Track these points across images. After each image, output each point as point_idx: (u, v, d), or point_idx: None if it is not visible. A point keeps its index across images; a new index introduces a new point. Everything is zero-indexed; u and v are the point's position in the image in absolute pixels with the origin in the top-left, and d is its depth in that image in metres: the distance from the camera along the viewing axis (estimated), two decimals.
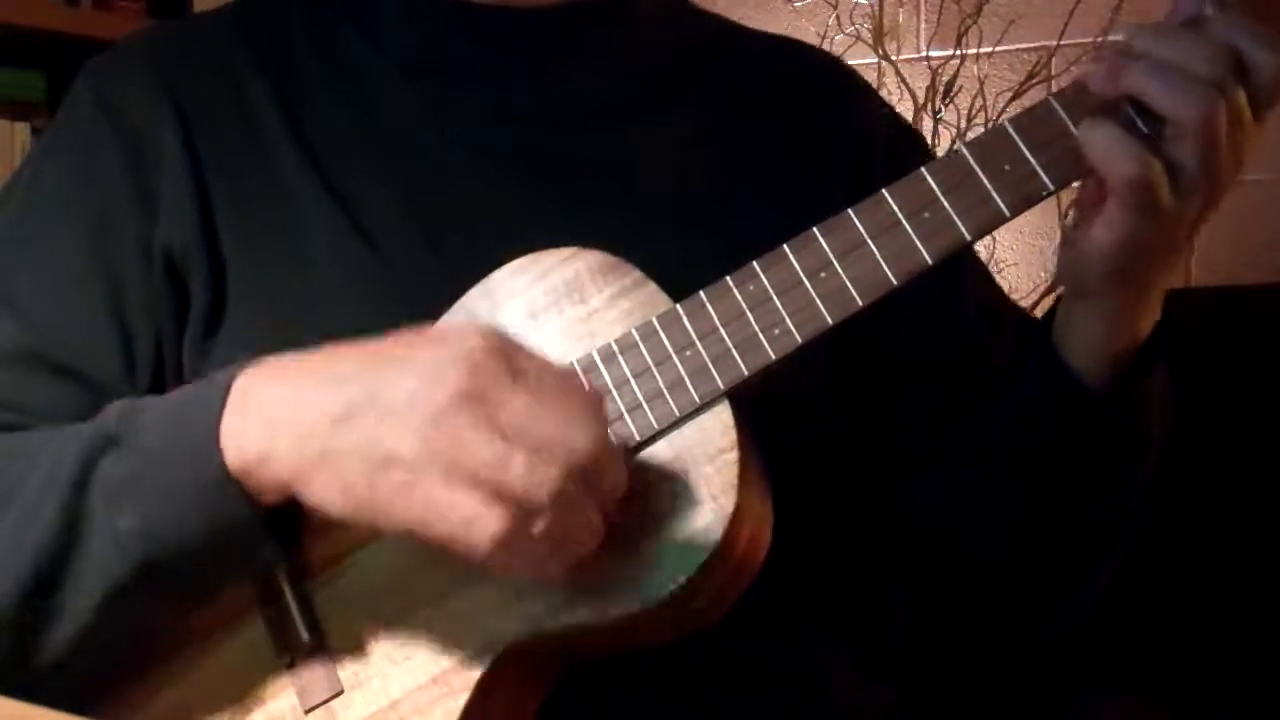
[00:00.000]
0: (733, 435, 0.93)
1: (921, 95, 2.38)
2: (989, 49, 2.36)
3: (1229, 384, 1.89)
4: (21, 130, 2.34)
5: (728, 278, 0.95)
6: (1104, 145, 0.90)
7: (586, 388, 0.89)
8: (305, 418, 0.88)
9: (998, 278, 2.28)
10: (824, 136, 1.17)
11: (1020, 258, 2.39)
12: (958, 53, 2.37)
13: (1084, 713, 1.83)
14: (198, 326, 1.06)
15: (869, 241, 0.93)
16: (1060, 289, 1.03)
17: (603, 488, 0.87)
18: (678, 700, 1.01)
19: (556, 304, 0.98)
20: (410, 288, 1.04)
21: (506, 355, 0.86)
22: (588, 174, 1.10)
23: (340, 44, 1.14)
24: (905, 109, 2.37)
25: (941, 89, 2.36)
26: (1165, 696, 1.84)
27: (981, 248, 2.34)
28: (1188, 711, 1.82)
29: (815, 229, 0.94)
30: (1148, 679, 1.86)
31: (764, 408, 0.96)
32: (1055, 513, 1.06)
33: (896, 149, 1.19)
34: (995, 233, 2.33)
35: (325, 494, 0.88)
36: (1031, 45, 2.40)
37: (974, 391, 1.12)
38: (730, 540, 0.91)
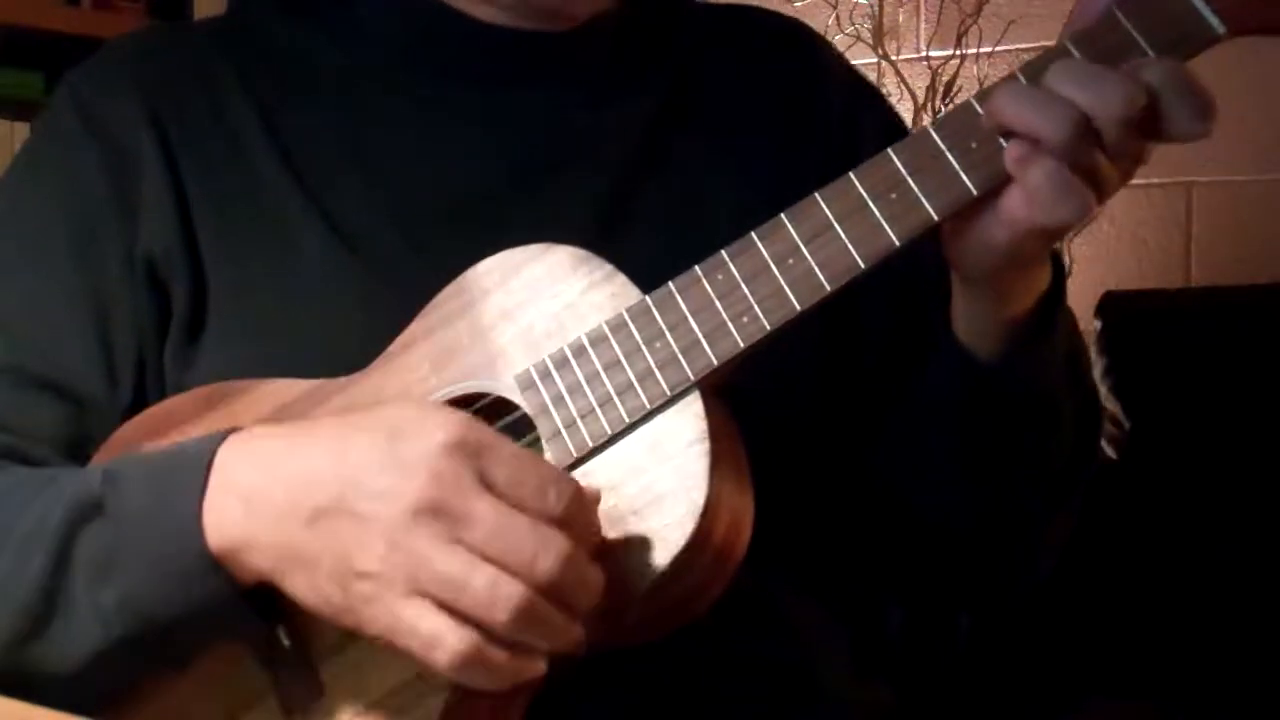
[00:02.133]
0: (703, 425, 0.92)
1: (921, 95, 2.38)
2: (989, 49, 2.36)
3: (1229, 384, 1.89)
4: (21, 130, 2.35)
5: (696, 267, 0.94)
6: (1045, 184, 0.88)
7: (563, 485, 0.87)
8: (281, 513, 0.89)
9: None
10: (786, 100, 1.17)
11: None
12: (958, 53, 2.37)
13: (1078, 715, 1.83)
14: (179, 334, 1.06)
15: (835, 225, 0.92)
16: None
17: (578, 597, 0.86)
18: (666, 694, 1.01)
19: (528, 300, 0.98)
20: (392, 292, 1.04)
21: (475, 455, 0.86)
22: (568, 172, 1.10)
23: (321, 51, 1.14)
24: (905, 109, 2.37)
25: (941, 89, 2.36)
26: (1162, 699, 1.84)
27: None
28: (1182, 715, 1.81)
29: (783, 215, 0.94)
30: (1144, 682, 1.86)
31: (742, 398, 0.95)
32: (978, 475, 1.05)
33: (856, 104, 1.18)
34: None
35: (301, 593, 0.89)
36: (1031, 45, 2.39)
37: (918, 359, 1.12)
38: (705, 532, 0.91)
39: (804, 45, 1.23)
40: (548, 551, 0.84)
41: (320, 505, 0.87)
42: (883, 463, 1.11)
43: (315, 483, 0.88)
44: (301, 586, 0.89)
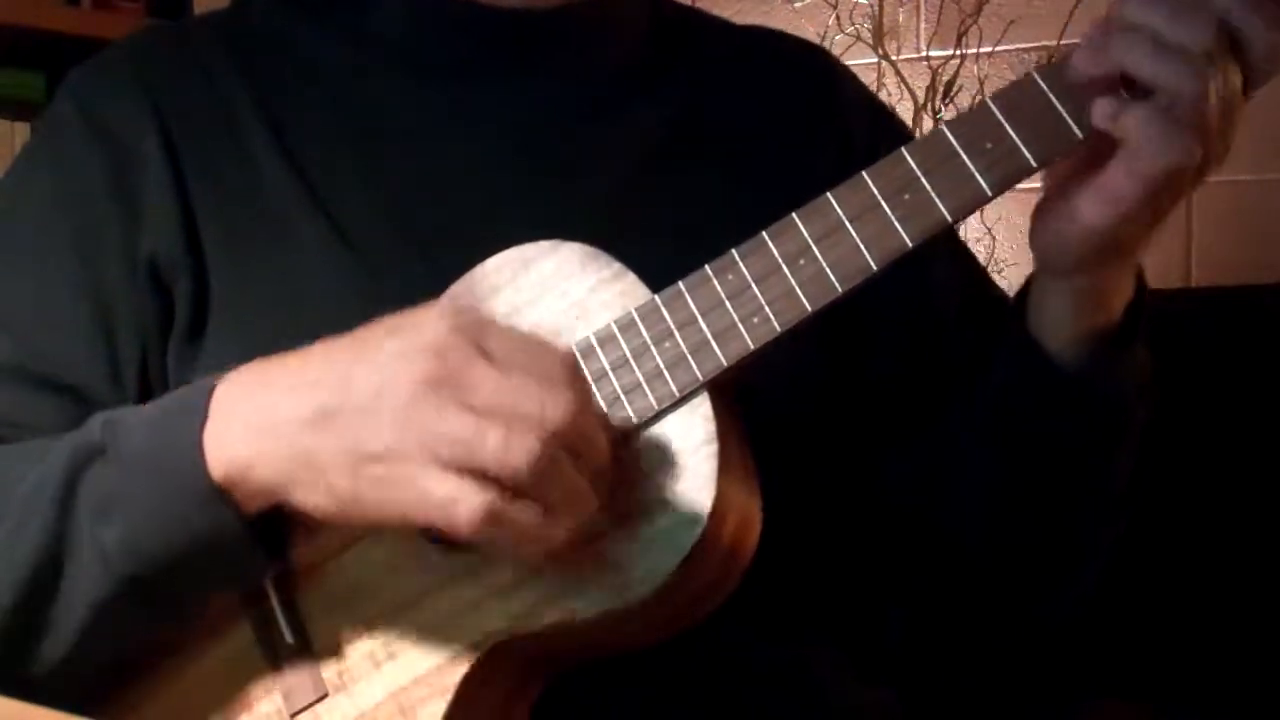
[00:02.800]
0: (712, 427, 0.92)
1: (921, 95, 2.37)
2: (989, 49, 2.35)
3: (1229, 384, 1.88)
4: (21, 130, 2.35)
5: (707, 266, 0.94)
6: (1146, 129, 0.88)
7: (560, 353, 0.88)
8: (283, 423, 0.88)
9: (998, 277, 2.27)
10: (803, 121, 1.17)
11: (1020, 258, 2.38)
12: (958, 53, 2.37)
13: (1078, 715, 1.83)
14: (182, 334, 1.07)
15: (848, 225, 0.92)
16: None
17: (588, 452, 0.87)
18: (669, 698, 1.01)
19: (537, 298, 0.98)
20: (395, 291, 1.03)
21: (473, 333, 0.86)
22: (574, 174, 1.10)
23: (324, 49, 1.14)
24: (905, 109, 2.36)
25: (941, 89, 2.36)
26: (1162, 699, 1.84)
27: (981, 248, 2.35)
28: (1182, 715, 1.81)
29: (794, 214, 0.94)
30: (1144, 682, 1.86)
31: (748, 400, 0.95)
32: (1033, 496, 1.06)
33: (876, 131, 1.18)
34: (995, 232, 2.35)
35: (312, 497, 0.89)
36: (1031, 45, 2.39)
37: (948, 374, 1.12)
38: (713, 534, 0.91)
39: (825, 71, 1.23)
40: (554, 403, 0.84)
41: (323, 403, 0.87)
42: (913, 472, 1.11)
43: (315, 385, 0.88)
44: (310, 491, 0.89)
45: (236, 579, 0.96)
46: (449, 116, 1.12)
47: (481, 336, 0.86)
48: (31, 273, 1.09)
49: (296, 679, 0.96)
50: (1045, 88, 0.91)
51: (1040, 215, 0.96)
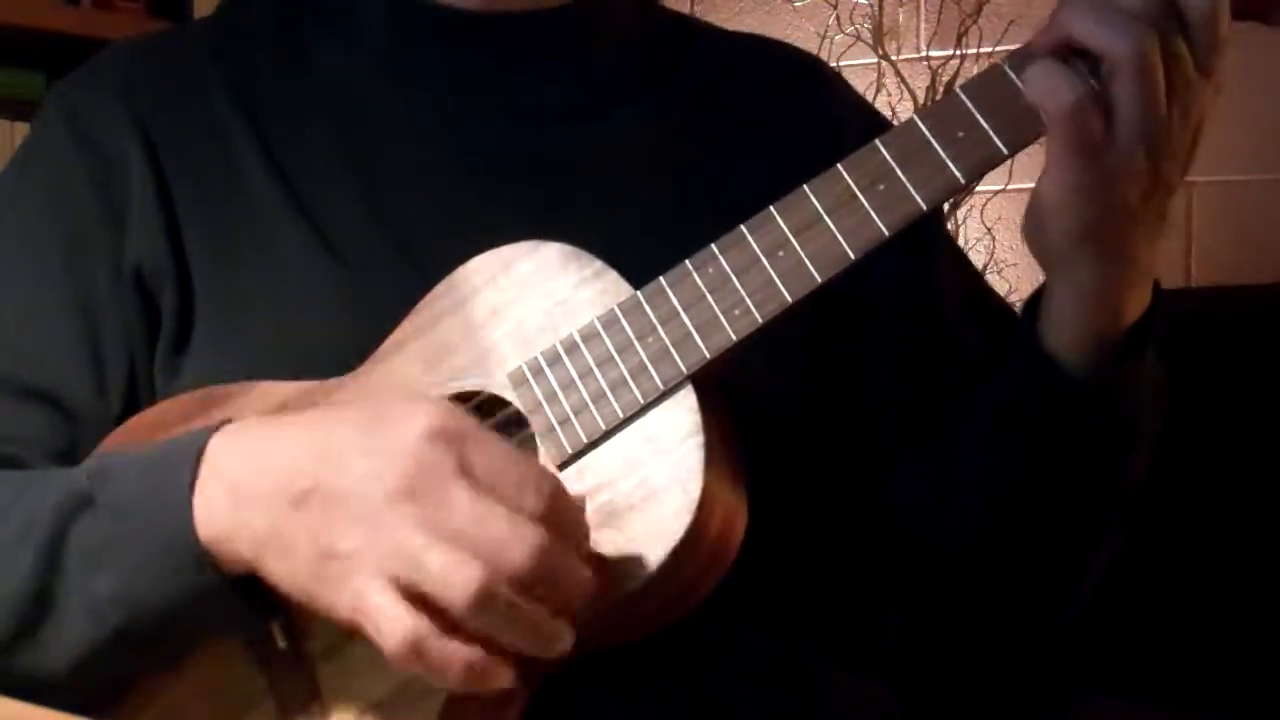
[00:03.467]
0: (697, 419, 0.92)
1: (921, 95, 2.38)
2: (989, 49, 2.35)
3: (1229, 384, 1.88)
4: (22, 130, 2.34)
5: (687, 261, 0.95)
6: (1038, 79, 0.89)
7: (543, 480, 0.86)
8: (264, 499, 0.89)
9: (997, 278, 2.28)
10: (795, 127, 1.17)
11: (1020, 258, 2.38)
12: (958, 53, 2.37)
13: (1078, 714, 1.83)
14: (168, 343, 1.07)
15: (825, 217, 0.93)
16: None
17: (554, 589, 0.85)
18: (664, 693, 1.01)
19: (519, 298, 0.98)
20: (379, 298, 1.04)
21: (458, 444, 0.86)
22: (561, 177, 1.10)
23: (310, 54, 1.14)
24: (905, 109, 2.37)
25: (941, 89, 2.36)
26: (1162, 699, 1.83)
27: (981, 248, 2.34)
28: (1182, 715, 1.81)
29: (772, 207, 0.94)
30: (1144, 682, 1.85)
31: (739, 397, 0.95)
32: (1039, 503, 1.05)
33: (868, 136, 1.18)
34: (995, 232, 2.35)
35: (278, 577, 0.89)
36: None
37: (950, 381, 1.11)
38: (699, 527, 0.91)
39: (817, 79, 1.23)
40: (521, 542, 0.83)
41: (305, 489, 0.87)
42: (917, 476, 1.11)
43: (298, 468, 0.88)
44: (280, 571, 0.88)
45: (229, 631, 0.96)
46: (434, 122, 1.12)
47: (467, 450, 0.86)
48: (17, 283, 1.09)
49: (291, 682, 0.96)
50: (1014, 77, 0.91)
51: (1026, 212, 0.96)
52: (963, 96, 0.92)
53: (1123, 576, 1.14)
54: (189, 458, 0.91)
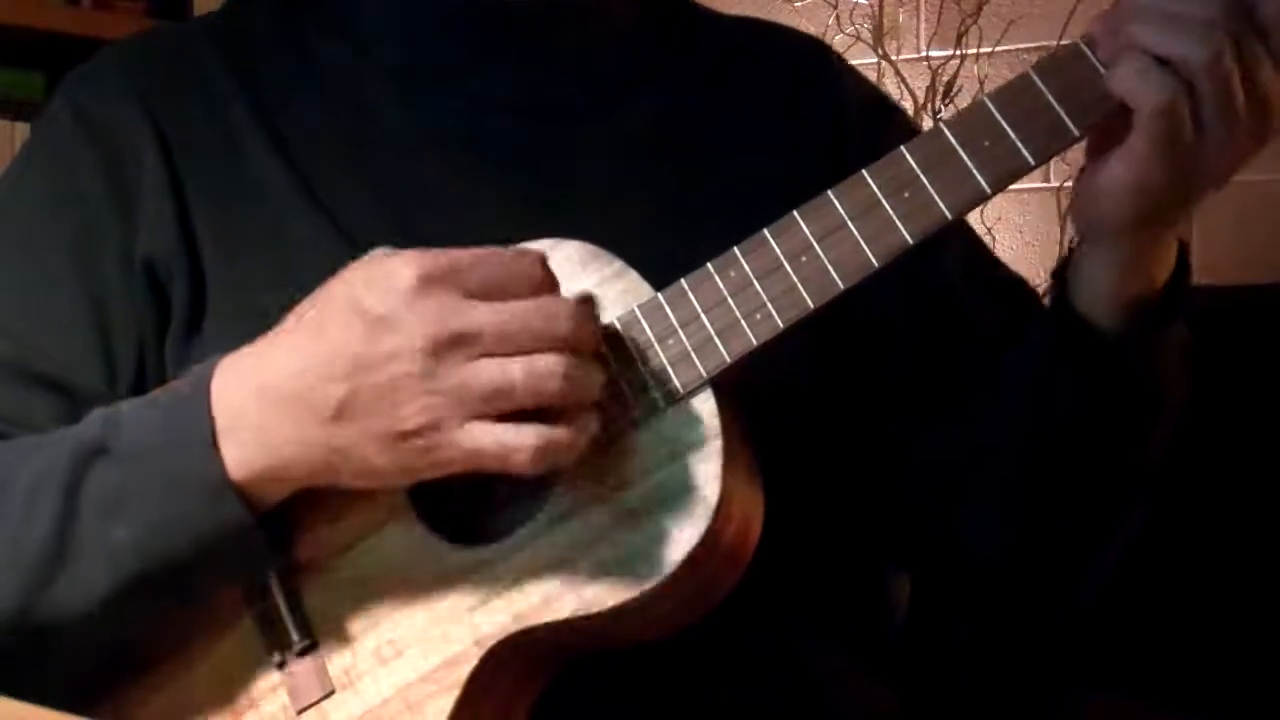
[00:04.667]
0: (716, 423, 0.92)
1: (921, 95, 2.38)
2: (989, 49, 2.36)
3: (1229, 384, 1.88)
4: (22, 130, 2.35)
5: (709, 264, 0.95)
6: (1132, 77, 0.90)
7: (528, 258, 0.90)
8: (306, 428, 0.90)
9: None
10: (800, 113, 1.17)
11: (1020, 257, 2.39)
12: (958, 53, 2.37)
13: (1077, 712, 1.83)
14: (178, 334, 1.07)
15: (849, 223, 0.93)
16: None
17: (586, 342, 0.90)
18: (670, 692, 1.01)
19: None
20: None
21: (447, 277, 0.88)
22: (567, 170, 1.10)
23: (317, 47, 1.14)
24: (905, 109, 2.36)
25: (941, 89, 2.36)
26: (1162, 699, 1.84)
27: None
28: (1182, 715, 1.81)
29: (795, 212, 0.94)
30: (1144, 682, 1.86)
31: (751, 395, 0.95)
32: (1070, 469, 1.05)
33: (873, 122, 1.19)
34: (995, 232, 2.35)
35: (358, 481, 0.91)
36: (1031, 45, 2.39)
37: (964, 355, 1.12)
38: (717, 530, 0.91)
39: (821, 63, 1.23)
40: (553, 316, 0.87)
41: (337, 399, 0.89)
42: (939, 455, 1.11)
43: (319, 384, 0.89)
44: (354, 477, 0.91)
45: (243, 572, 0.96)
46: (442, 115, 1.12)
47: (457, 278, 0.88)
48: (28, 274, 1.09)
49: (303, 676, 0.96)
50: (1042, 86, 0.92)
51: (1081, 181, 0.96)
52: (990, 105, 0.92)
53: (1124, 576, 1.14)
54: (198, 399, 0.92)
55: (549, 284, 0.90)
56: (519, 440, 0.87)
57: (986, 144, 0.92)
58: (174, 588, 0.94)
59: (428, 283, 0.87)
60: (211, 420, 0.91)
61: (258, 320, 1.04)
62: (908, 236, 0.92)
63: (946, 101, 2.35)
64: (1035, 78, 0.92)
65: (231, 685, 0.98)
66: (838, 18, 2.42)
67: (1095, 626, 1.78)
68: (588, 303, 0.92)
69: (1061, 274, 1.02)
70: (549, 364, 0.87)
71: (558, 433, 0.87)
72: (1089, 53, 0.92)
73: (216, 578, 0.96)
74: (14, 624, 0.95)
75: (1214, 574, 1.85)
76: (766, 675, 1.05)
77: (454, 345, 0.86)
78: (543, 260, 0.90)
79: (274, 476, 0.91)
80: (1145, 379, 1.01)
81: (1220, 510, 1.86)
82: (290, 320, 0.93)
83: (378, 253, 0.92)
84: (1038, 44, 2.38)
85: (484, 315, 0.87)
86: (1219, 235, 2.26)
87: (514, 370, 0.86)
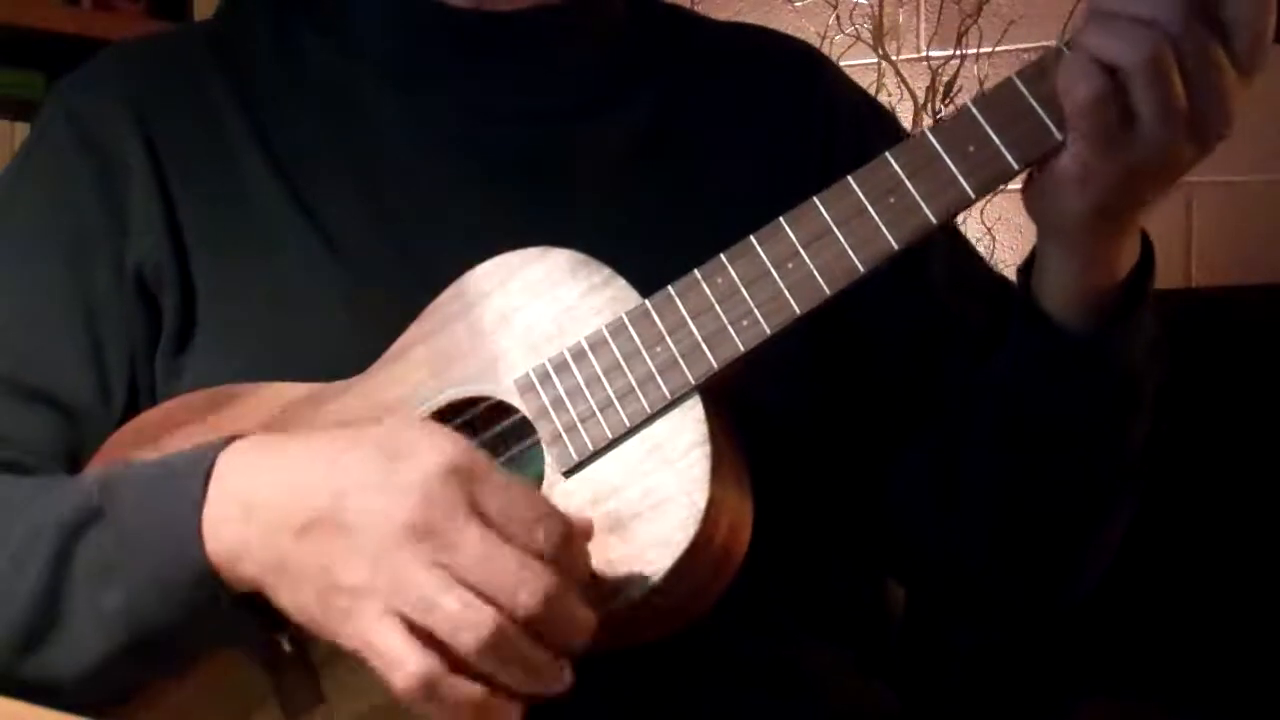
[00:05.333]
0: (704, 429, 0.92)
1: (921, 95, 2.37)
2: (989, 49, 2.35)
3: (1229, 384, 1.88)
4: (22, 130, 2.35)
5: (696, 271, 0.95)
6: (1063, 70, 0.90)
7: (555, 521, 0.86)
8: (273, 525, 0.89)
9: None
10: (790, 116, 1.17)
11: (1020, 258, 2.38)
12: (958, 53, 2.37)
13: (1077, 714, 1.83)
14: (169, 343, 1.07)
15: (834, 229, 0.93)
16: None
17: (558, 632, 0.85)
18: (665, 695, 1.01)
19: (527, 304, 0.98)
20: (378, 297, 1.04)
21: (470, 483, 0.85)
22: (557, 176, 1.11)
23: (310, 54, 1.14)
24: (905, 109, 2.36)
25: (941, 89, 2.36)
26: (1162, 699, 1.84)
27: (981, 248, 2.34)
28: (1182, 715, 1.81)
29: (781, 219, 0.94)
30: (1144, 682, 1.86)
31: (739, 401, 0.95)
32: (1052, 466, 1.05)
33: (863, 126, 1.19)
34: (995, 232, 2.35)
35: (285, 603, 0.89)
36: (1031, 45, 2.39)
37: (951, 360, 1.12)
38: (705, 535, 0.91)
39: (809, 67, 1.23)
40: (531, 585, 0.83)
41: (311, 518, 0.87)
42: (925, 458, 1.10)
43: (309, 495, 0.88)
44: (286, 598, 0.89)
45: (235, 644, 0.96)
46: (430, 122, 1.12)
47: (478, 488, 0.85)
48: (20, 284, 1.09)
49: (295, 687, 0.96)
50: (1025, 92, 0.92)
51: (1029, 179, 0.96)
52: (974, 110, 0.92)
53: (1121, 576, 1.14)
54: (197, 474, 0.91)
55: (553, 557, 0.85)
56: (410, 658, 0.83)
57: (971, 149, 0.92)
58: (164, 654, 0.94)
59: (448, 474, 0.85)
60: (204, 491, 0.90)
61: (248, 331, 1.05)
62: (893, 242, 0.92)
63: (946, 101, 2.35)
64: (1019, 82, 0.92)
65: (223, 696, 0.98)
66: (838, 18, 2.42)
67: (1093, 627, 1.78)
68: (577, 596, 0.86)
69: (1026, 269, 1.02)
70: (483, 619, 0.82)
71: (448, 682, 0.83)
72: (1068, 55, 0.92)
73: (207, 647, 0.95)
74: (9, 665, 0.95)
75: (1213, 574, 1.85)
76: (765, 677, 1.05)
77: (426, 540, 0.84)
78: (563, 531, 0.86)
79: (235, 559, 0.90)
80: (1114, 372, 1.00)
81: (1218, 511, 1.86)
82: (329, 434, 0.92)
83: (428, 424, 0.91)
84: (1038, 44, 2.38)
85: (470, 535, 0.84)
86: (1219, 235, 2.26)
87: (449, 597, 0.82)
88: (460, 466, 0.85)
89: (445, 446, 0.86)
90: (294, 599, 0.88)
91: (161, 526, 0.91)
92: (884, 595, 1.21)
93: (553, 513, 0.87)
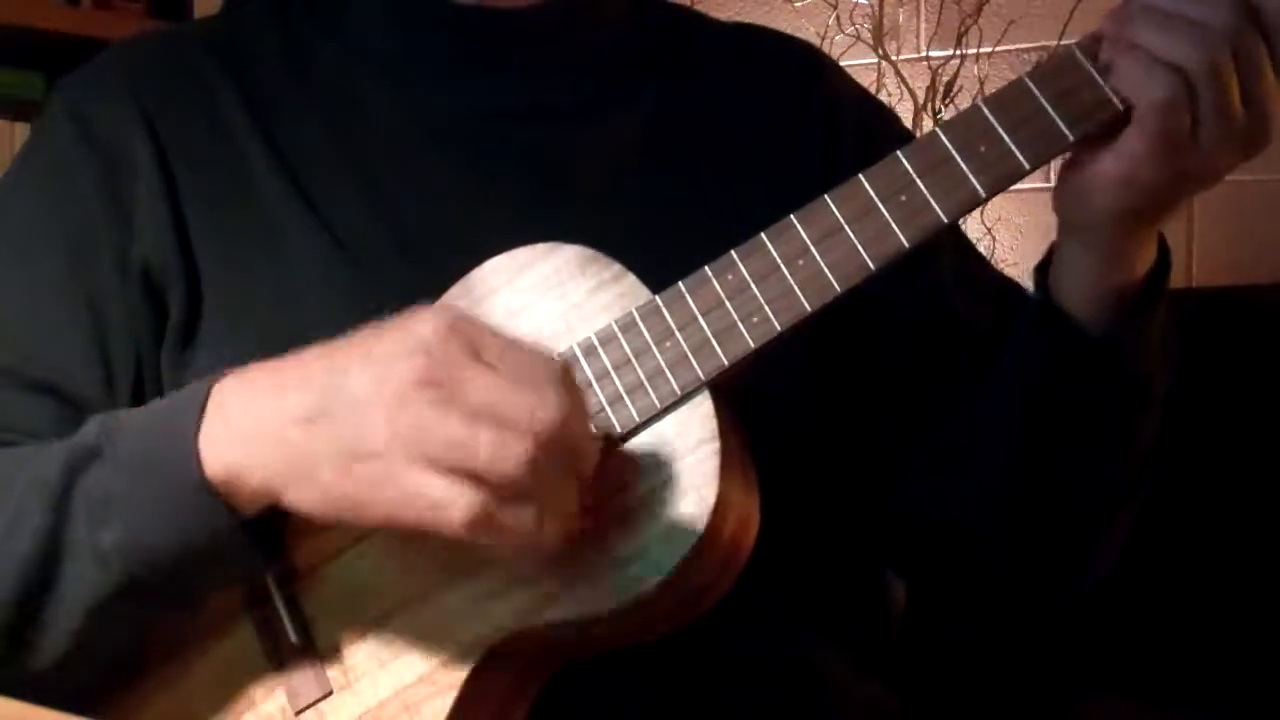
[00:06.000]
0: (713, 425, 0.93)
1: (921, 95, 2.38)
2: (989, 49, 2.36)
3: (1229, 384, 1.88)
4: (22, 130, 2.35)
5: (706, 267, 0.95)
6: (1135, 74, 0.90)
7: (553, 358, 0.87)
8: (276, 424, 0.88)
9: None
10: (791, 115, 1.18)
11: (1020, 258, 2.39)
12: (958, 53, 2.37)
13: (1077, 714, 1.83)
14: (175, 339, 1.07)
15: (845, 227, 0.93)
16: None
17: (575, 459, 0.86)
18: (669, 693, 1.01)
19: (536, 299, 0.98)
20: (386, 291, 1.03)
21: (466, 333, 0.86)
22: (559, 174, 1.11)
23: (313, 50, 1.15)
24: (905, 109, 2.37)
25: (941, 89, 2.36)
26: (1162, 699, 1.84)
27: (981, 248, 2.34)
28: (1182, 715, 1.82)
29: (792, 216, 0.95)
30: (1144, 682, 1.86)
31: (744, 398, 0.96)
32: (1060, 462, 1.05)
33: (866, 124, 1.19)
34: (995, 232, 2.35)
35: (304, 496, 0.89)
36: (1031, 45, 2.39)
37: (955, 361, 1.12)
38: (714, 532, 0.91)
39: (811, 66, 1.24)
40: (545, 408, 0.84)
41: (315, 403, 0.87)
42: (934, 453, 1.11)
43: (308, 385, 0.88)
44: (304, 492, 0.88)
45: (235, 577, 0.96)
46: (436, 120, 1.12)
47: (475, 338, 0.86)
48: (25, 279, 1.09)
49: (300, 677, 0.96)
50: (1037, 92, 0.92)
51: (1066, 173, 0.97)
52: (985, 110, 0.93)
53: (1121, 576, 1.14)
54: (193, 404, 0.91)
55: (556, 386, 0.86)
56: (460, 497, 0.83)
57: (982, 149, 0.92)
58: (164, 591, 0.93)
59: (444, 330, 0.86)
60: (199, 420, 0.90)
61: (253, 328, 1.05)
62: (904, 240, 0.93)
63: (946, 101, 2.35)
64: (1030, 83, 0.93)
65: (229, 687, 0.98)
66: (838, 18, 2.42)
67: (1093, 627, 1.78)
68: (581, 422, 0.87)
69: (1043, 268, 1.03)
70: (518, 445, 0.83)
71: (503, 513, 0.84)
72: (1083, 59, 0.93)
73: (205, 581, 0.95)
74: (8, 625, 0.95)
75: (1213, 574, 1.86)
76: (765, 675, 1.05)
77: (437, 387, 0.84)
78: (562, 367, 0.87)
79: (237, 473, 0.89)
80: (1129, 370, 1.01)
81: (1218, 511, 1.86)
82: (319, 347, 0.92)
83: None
84: (1038, 44, 2.39)
85: (478, 376, 0.85)
86: (1219, 235, 2.26)
87: (482, 432, 0.83)
88: (455, 324, 0.86)
89: (437, 309, 0.87)
90: (315, 488, 0.88)
91: (157, 456, 0.91)
92: (885, 594, 1.21)
93: (550, 354, 0.88)
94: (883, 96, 2.38)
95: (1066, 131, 0.92)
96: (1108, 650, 1.83)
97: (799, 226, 0.94)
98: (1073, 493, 1.06)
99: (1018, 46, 2.39)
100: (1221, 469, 1.88)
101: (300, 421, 0.87)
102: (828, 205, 0.94)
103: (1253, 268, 2.24)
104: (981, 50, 2.36)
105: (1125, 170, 0.92)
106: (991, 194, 0.93)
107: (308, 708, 0.96)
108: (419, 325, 0.86)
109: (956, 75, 2.36)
